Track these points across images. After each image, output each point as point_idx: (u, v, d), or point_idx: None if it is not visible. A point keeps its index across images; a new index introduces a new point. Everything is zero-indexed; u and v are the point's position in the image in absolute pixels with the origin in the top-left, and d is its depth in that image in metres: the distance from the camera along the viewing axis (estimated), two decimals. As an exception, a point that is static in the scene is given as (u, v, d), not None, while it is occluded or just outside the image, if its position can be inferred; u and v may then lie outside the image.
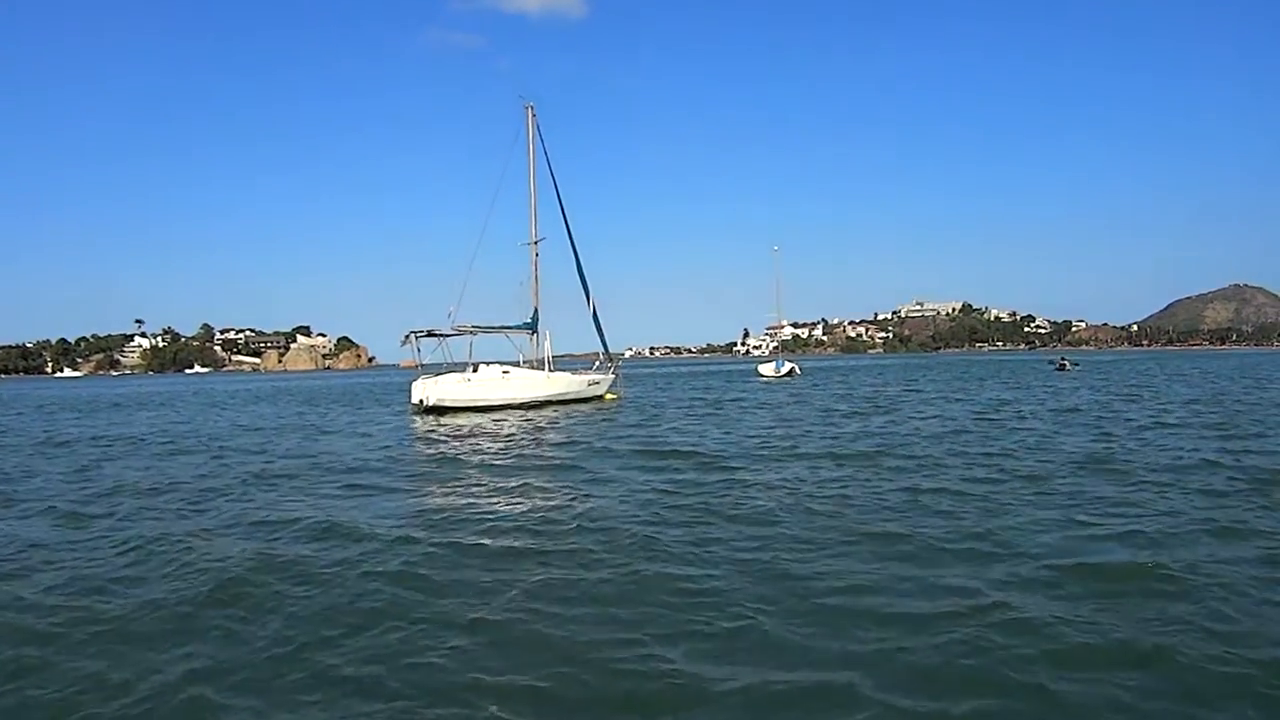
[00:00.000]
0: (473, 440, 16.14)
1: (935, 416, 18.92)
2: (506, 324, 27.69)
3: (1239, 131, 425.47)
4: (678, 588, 5.31)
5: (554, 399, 26.65)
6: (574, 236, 29.41)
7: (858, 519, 7.24)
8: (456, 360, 26.44)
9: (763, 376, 49.75)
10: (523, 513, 8.05)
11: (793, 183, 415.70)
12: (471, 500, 8.97)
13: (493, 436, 16.89)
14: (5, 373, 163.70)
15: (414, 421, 22.88)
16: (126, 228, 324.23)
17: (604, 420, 20.30)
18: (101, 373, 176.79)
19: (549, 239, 29.21)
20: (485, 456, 13.15)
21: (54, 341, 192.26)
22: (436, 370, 25.52)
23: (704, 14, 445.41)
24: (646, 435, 15.93)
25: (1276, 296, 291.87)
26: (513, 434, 17.27)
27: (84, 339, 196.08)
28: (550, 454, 13.25)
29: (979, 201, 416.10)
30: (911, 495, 8.31)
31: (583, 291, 29.62)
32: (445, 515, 8.01)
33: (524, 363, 27.64)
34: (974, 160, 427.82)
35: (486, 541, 6.82)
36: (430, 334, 25.89)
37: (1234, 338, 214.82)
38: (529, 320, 28.16)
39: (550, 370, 27.73)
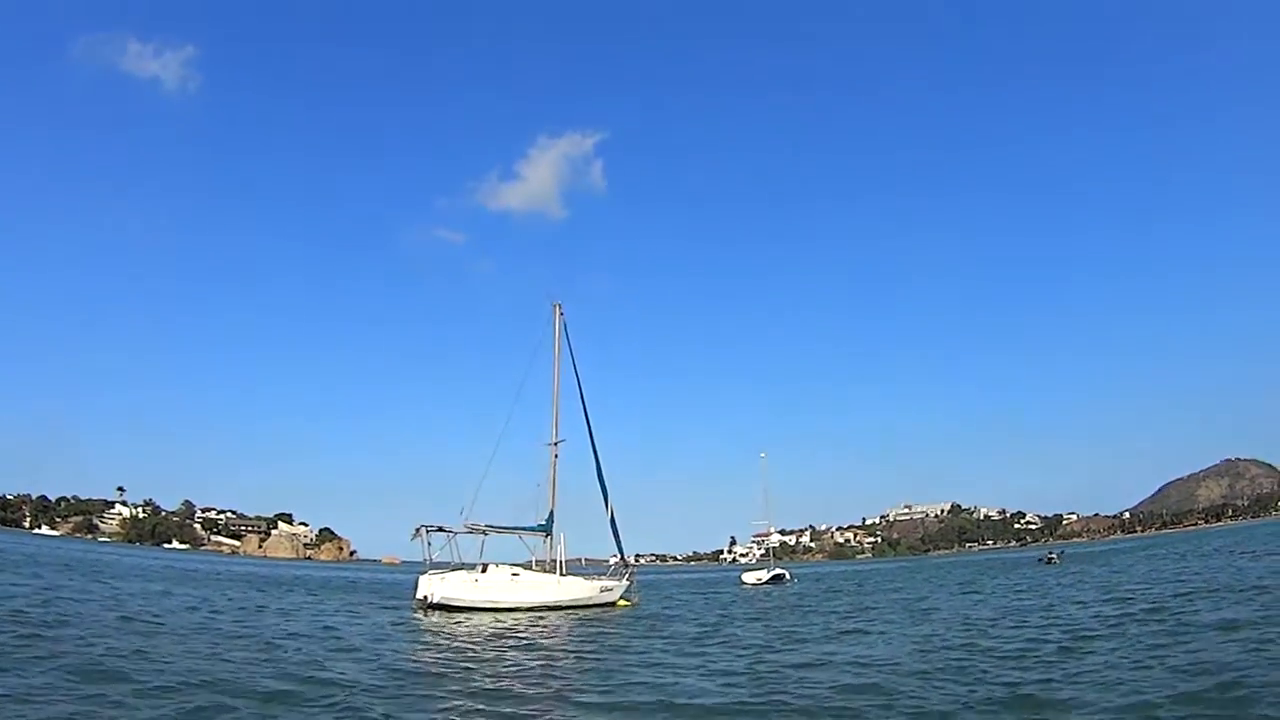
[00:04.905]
0: (468, 649, 15.60)
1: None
2: (520, 525, 27.65)
3: (1221, 309, 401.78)
4: None
5: (565, 604, 25.90)
6: (595, 440, 30.01)
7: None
8: (466, 558, 26.26)
9: (745, 584, 52.94)
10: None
11: (778, 389, 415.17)
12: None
13: (480, 646, 16.30)
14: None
15: (417, 618, 22.28)
16: (115, 394, 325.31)
17: (609, 635, 19.47)
18: (79, 535, 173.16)
19: (567, 440, 29.77)
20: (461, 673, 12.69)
21: (34, 497, 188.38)
22: (443, 568, 25.25)
23: (679, 217, 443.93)
24: (648, 668, 15.19)
25: (1271, 467, 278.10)
26: (505, 643, 16.64)
27: (64, 499, 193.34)
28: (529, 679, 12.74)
29: (965, 404, 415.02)
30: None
31: (601, 496, 29.72)
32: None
33: (535, 564, 27.25)
34: (958, 364, 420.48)
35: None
36: (441, 529, 25.95)
37: (1229, 513, 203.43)
38: (544, 523, 28.09)
39: (562, 574, 27.20)
